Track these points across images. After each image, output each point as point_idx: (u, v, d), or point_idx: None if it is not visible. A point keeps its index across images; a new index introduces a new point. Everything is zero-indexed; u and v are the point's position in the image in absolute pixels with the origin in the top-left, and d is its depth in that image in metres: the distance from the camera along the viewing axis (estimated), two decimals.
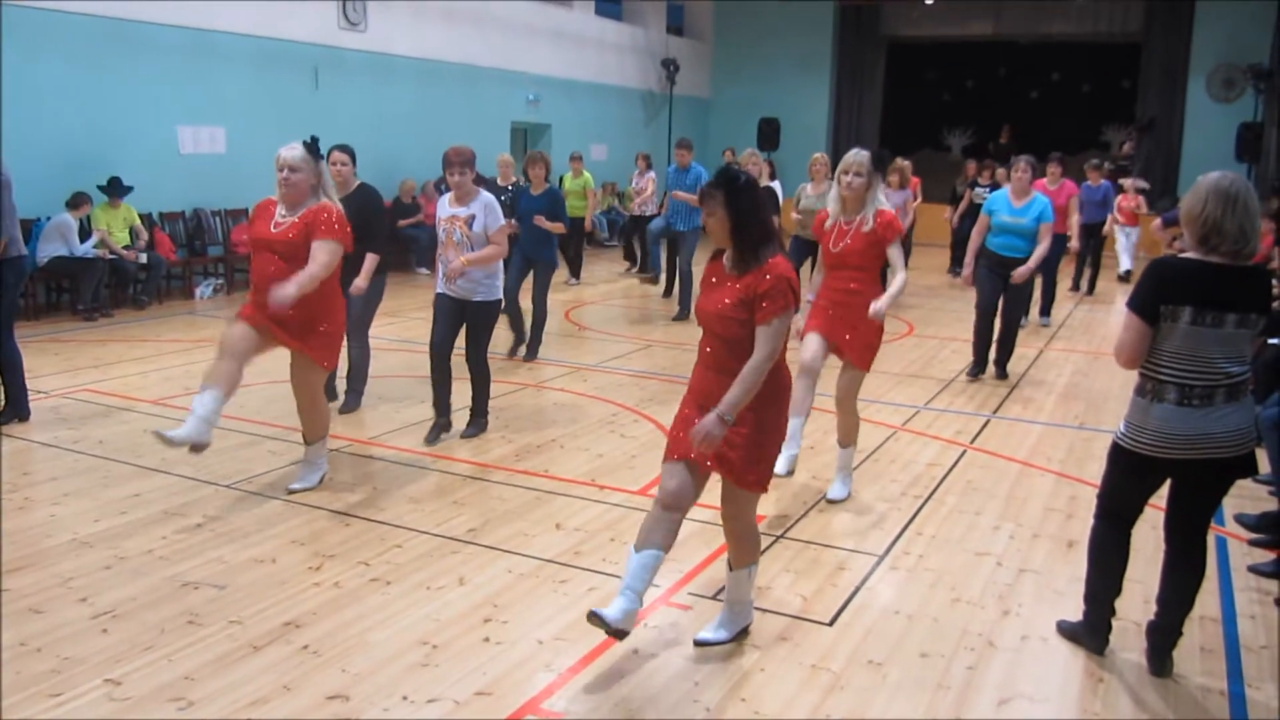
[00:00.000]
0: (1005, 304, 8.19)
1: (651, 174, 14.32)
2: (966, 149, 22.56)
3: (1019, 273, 7.89)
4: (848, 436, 5.45)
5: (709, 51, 23.18)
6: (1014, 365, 8.96)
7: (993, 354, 8.41)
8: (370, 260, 6.50)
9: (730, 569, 3.81)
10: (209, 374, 4.98)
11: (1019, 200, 8.04)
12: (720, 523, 4.97)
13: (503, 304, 6.51)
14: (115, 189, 10.59)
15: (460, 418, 6.45)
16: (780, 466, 5.50)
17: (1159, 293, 3.37)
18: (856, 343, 5.24)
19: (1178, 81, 19.67)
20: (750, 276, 3.50)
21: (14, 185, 6.16)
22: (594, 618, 3.48)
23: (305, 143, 5.05)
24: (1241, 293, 3.32)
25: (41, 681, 3.43)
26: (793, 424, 5.34)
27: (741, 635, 3.86)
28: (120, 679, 3.46)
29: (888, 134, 23.37)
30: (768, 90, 22.01)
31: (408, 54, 14.72)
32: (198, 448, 4.92)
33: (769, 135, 20.86)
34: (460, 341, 6.29)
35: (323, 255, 5.00)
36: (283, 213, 5.07)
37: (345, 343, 6.68)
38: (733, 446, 3.55)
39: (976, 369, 8.39)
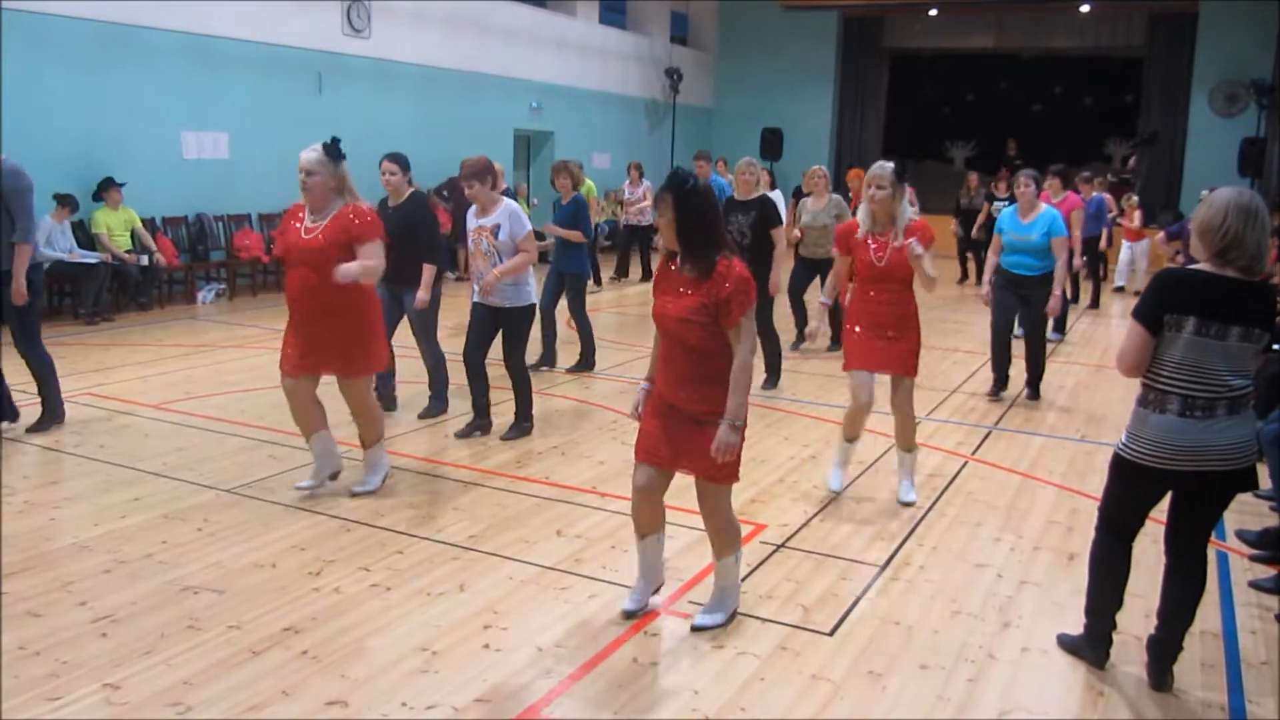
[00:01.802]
0: (1024, 323, 8.05)
1: (646, 184, 14.28)
2: (969, 161, 22.61)
3: (1051, 308, 7.87)
4: (906, 440, 5.53)
5: (712, 61, 23.24)
6: (1015, 377, 8.95)
7: (1019, 373, 8.30)
8: (428, 271, 6.54)
9: (717, 559, 4.00)
10: (302, 428, 5.33)
11: (1025, 216, 7.83)
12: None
13: (535, 312, 6.55)
14: (105, 186, 10.60)
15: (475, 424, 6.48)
16: (833, 483, 5.71)
17: (1163, 302, 3.38)
18: (902, 352, 5.33)
19: (1180, 96, 19.72)
20: (710, 284, 3.64)
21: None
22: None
23: (325, 144, 5.00)
24: (1246, 306, 3.33)
25: (40, 685, 3.42)
26: (847, 448, 5.70)
27: (731, 618, 4.01)
28: (119, 683, 3.45)
29: (890, 145, 23.41)
30: (771, 100, 22.05)
31: (411, 60, 14.75)
32: (334, 475, 5.41)
33: (772, 145, 20.89)
34: (497, 349, 6.42)
35: (374, 255, 5.02)
36: (311, 218, 5.05)
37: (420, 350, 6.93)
38: (704, 447, 3.72)
39: (997, 388, 8.24)
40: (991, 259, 8.13)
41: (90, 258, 10.28)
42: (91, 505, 5.12)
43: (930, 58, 23.59)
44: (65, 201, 10.10)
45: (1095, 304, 13.62)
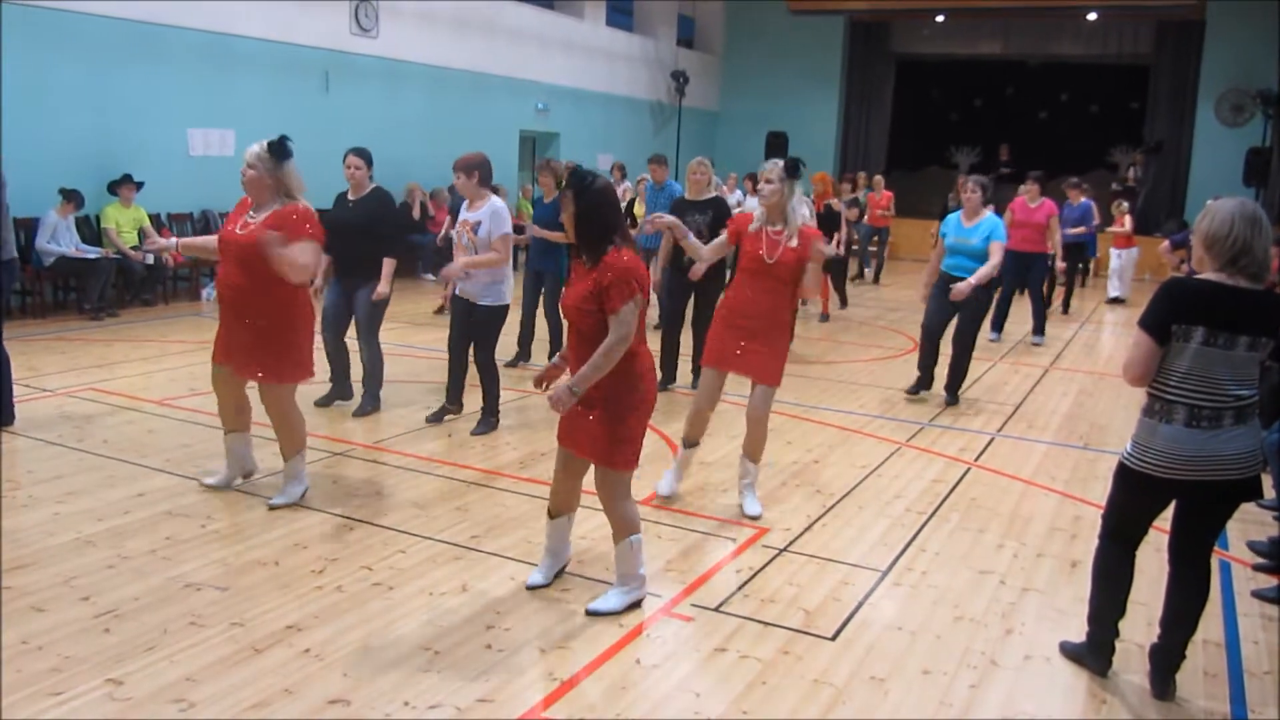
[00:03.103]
0: (956, 327, 7.98)
1: (626, 184, 14.22)
2: (974, 167, 22.56)
3: (957, 289, 7.55)
4: (757, 452, 5.38)
5: (718, 64, 23.25)
6: (1018, 384, 8.98)
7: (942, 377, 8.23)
8: (388, 264, 6.63)
9: (615, 543, 4.13)
10: (223, 421, 5.30)
11: (968, 221, 7.87)
12: (714, 527, 5.01)
13: (507, 312, 6.56)
14: (123, 182, 10.63)
15: (467, 418, 6.47)
16: (661, 488, 5.56)
17: (1172, 312, 3.38)
18: (766, 357, 5.24)
19: (1186, 105, 19.71)
20: (597, 272, 3.83)
21: (10, 185, 6.15)
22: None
23: (271, 141, 4.87)
24: (1254, 315, 3.33)
25: (42, 680, 3.42)
26: (686, 452, 5.55)
27: (634, 608, 4.12)
28: (122, 679, 3.45)
29: (896, 150, 23.41)
30: (776, 104, 22.07)
31: (418, 60, 14.78)
32: (246, 475, 5.43)
33: (777, 149, 20.86)
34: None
35: (305, 254, 4.84)
36: (251, 214, 4.95)
37: (357, 346, 6.87)
38: (593, 432, 3.93)
39: (917, 386, 8.24)
40: (934, 261, 8.16)
41: (91, 253, 10.29)
42: (95, 500, 5.12)
43: (937, 63, 23.55)
44: (70, 197, 10.11)
45: (1066, 309, 13.52)
